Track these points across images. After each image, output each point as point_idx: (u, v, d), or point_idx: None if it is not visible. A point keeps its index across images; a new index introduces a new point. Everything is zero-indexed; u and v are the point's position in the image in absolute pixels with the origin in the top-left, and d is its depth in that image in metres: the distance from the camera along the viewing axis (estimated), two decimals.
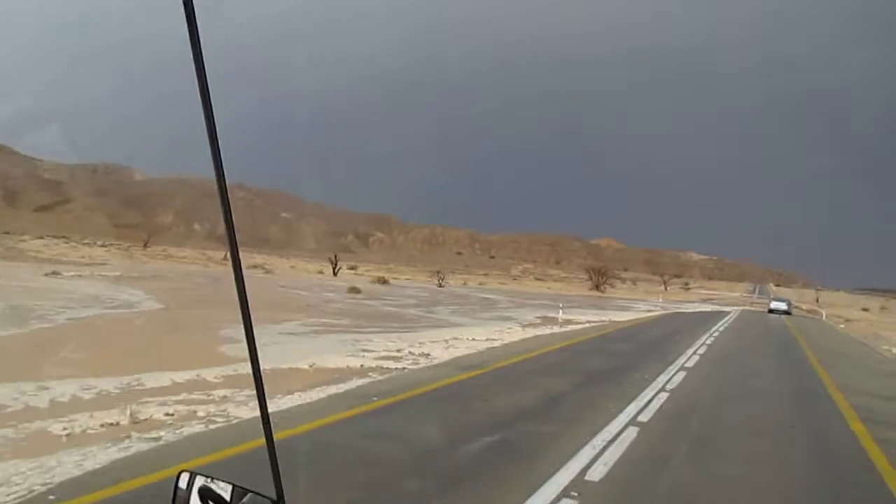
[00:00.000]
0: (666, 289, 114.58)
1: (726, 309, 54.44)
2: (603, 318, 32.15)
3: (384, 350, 15.60)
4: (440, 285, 57.55)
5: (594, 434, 8.37)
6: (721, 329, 29.70)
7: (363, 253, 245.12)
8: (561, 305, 32.91)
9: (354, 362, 13.44)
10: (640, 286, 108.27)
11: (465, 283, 68.25)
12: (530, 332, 22.82)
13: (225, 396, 9.85)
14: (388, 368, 13.00)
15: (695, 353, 18.73)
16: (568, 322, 29.07)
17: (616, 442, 8.09)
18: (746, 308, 61.95)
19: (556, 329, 24.93)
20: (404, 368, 13.16)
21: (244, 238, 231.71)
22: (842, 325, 47.07)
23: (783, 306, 53.30)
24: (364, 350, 15.45)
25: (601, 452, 7.55)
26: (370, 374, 12.29)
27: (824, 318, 56.39)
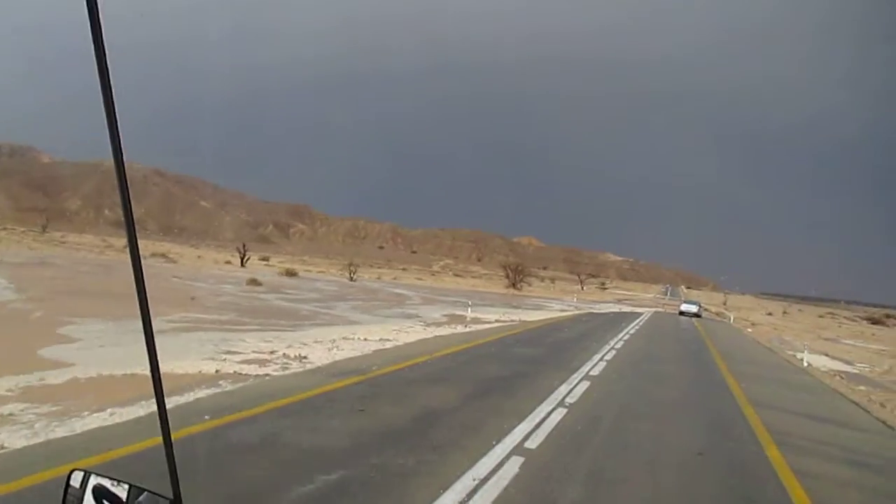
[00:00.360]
0: (582, 288, 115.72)
1: (639, 310, 54.49)
2: (513, 318, 30.89)
3: (253, 352, 13.56)
4: (352, 279, 55.34)
5: (467, 469, 6.70)
6: (632, 332, 28.90)
7: (283, 244, 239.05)
8: (469, 303, 31.45)
9: (210, 367, 11.40)
10: (557, 285, 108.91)
11: (379, 278, 66.22)
12: (431, 332, 21.18)
13: (9, 415, 7.69)
14: (246, 375, 11.01)
15: (602, 358, 17.51)
16: (475, 321, 27.66)
17: (491, 480, 6.44)
18: (658, 310, 62.41)
19: (459, 329, 23.39)
20: (266, 375, 11.20)
21: (158, 227, 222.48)
22: (749, 329, 47.65)
23: (693, 309, 53.80)
24: (229, 351, 13.36)
25: (467, 499, 5.87)
26: (221, 382, 10.29)
27: (732, 321, 57.31)
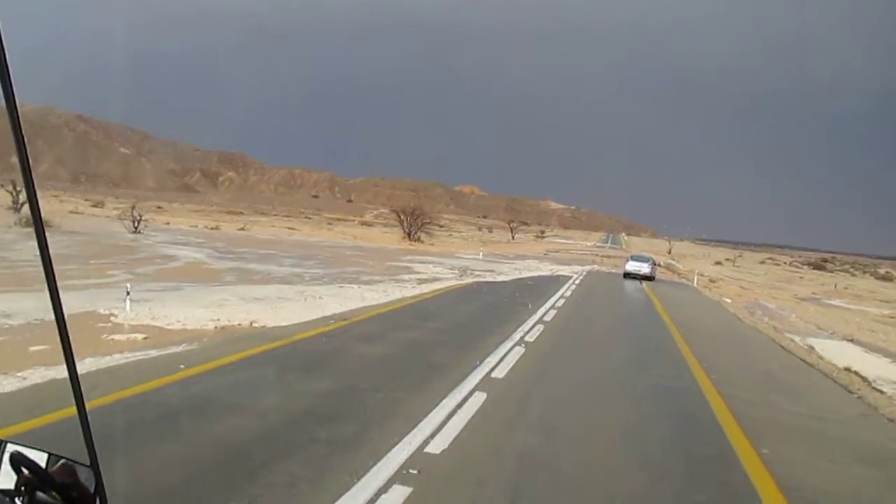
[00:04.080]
0: (513, 237, 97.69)
1: (565, 271, 35.96)
2: (260, 321, 12.09)
3: None
4: (136, 229, 35.30)
5: None
6: (528, 342, 10.68)
7: (210, 194, 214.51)
8: (127, 291, 12.44)
9: None
10: (475, 234, 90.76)
11: (217, 227, 46.23)
12: None
13: None
14: None
15: None
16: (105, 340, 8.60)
17: None
18: (595, 268, 44.19)
19: None
20: None
21: (69, 175, 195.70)
22: (727, 300, 29.80)
23: (644, 269, 35.38)
24: None
25: None
26: None
27: (696, 283, 39.32)
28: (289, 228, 55.29)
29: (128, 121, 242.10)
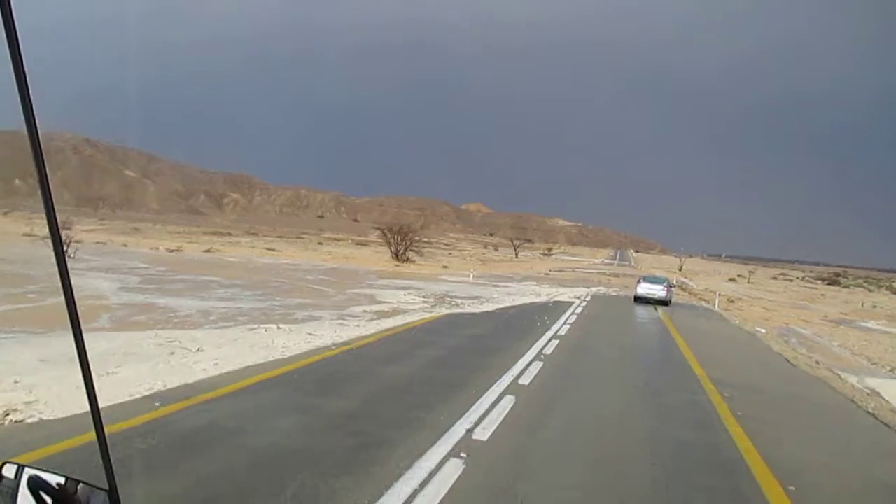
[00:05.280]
0: (517, 255, 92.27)
1: (566, 296, 30.43)
2: None
3: None
4: (66, 253, 30.31)
5: None
6: (476, 444, 5.16)
7: (215, 216, 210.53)
8: None
9: None
10: (478, 252, 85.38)
11: (179, 249, 41.07)
12: None
13: None
14: None
15: None
16: None
17: None
18: (601, 290, 38.66)
19: None
20: None
21: (73, 197, 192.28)
22: (761, 331, 24.21)
23: (659, 292, 29.79)
24: None
25: None
26: None
27: (717, 307, 33.70)
28: (267, 250, 50.10)
29: (134, 144, 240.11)
